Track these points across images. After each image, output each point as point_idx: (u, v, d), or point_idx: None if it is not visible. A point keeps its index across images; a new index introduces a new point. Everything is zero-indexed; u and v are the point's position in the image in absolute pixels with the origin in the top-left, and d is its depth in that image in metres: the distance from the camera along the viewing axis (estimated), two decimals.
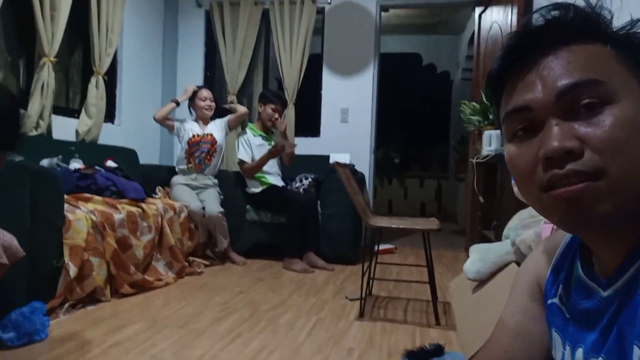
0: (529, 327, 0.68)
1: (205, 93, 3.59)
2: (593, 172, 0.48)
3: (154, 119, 3.52)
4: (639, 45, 0.52)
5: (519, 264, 1.24)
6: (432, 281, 2.25)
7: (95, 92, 3.42)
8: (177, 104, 3.60)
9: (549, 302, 0.65)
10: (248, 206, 3.57)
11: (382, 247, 3.48)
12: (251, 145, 3.53)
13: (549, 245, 0.70)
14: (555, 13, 0.53)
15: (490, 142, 2.48)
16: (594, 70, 0.50)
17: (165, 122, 3.55)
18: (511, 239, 1.27)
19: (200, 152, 3.53)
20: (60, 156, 2.83)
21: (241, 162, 3.52)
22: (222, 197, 3.54)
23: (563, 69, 0.51)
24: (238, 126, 3.77)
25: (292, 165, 3.70)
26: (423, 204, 7.57)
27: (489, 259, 1.32)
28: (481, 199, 2.55)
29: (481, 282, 1.38)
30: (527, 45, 0.55)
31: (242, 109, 3.74)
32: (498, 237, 2.08)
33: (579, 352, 0.56)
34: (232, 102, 3.91)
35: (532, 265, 0.71)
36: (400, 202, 7.59)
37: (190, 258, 3.16)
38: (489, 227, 2.54)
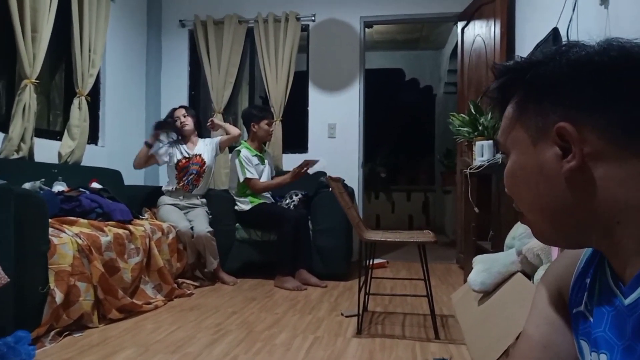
0: (555, 338, 0.66)
1: (177, 112, 3.57)
2: (517, 209, 0.62)
3: (135, 168, 3.51)
4: (530, 85, 0.58)
5: (524, 274, 1.22)
6: (429, 295, 2.21)
7: (79, 113, 3.35)
8: (149, 145, 3.49)
9: (575, 311, 0.64)
10: (237, 224, 3.51)
11: (374, 261, 3.44)
12: (252, 163, 3.47)
13: (570, 255, 0.68)
14: (500, 81, 0.62)
15: (483, 152, 2.48)
16: (503, 130, 0.62)
17: (148, 164, 3.52)
18: (517, 248, 1.25)
19: (189, 174, 3.47)
20: (43, 179, 2.75)
21: (249, 180, 3.43)
22: (210, 216, 3.48)
23: (501, 127, 0.64)
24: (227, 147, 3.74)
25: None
26: (410, 217, 7.58)
27: (494, 270, 1.30)
28: (477, 209, 2.54)
29: (486, 293, 1.36)
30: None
31: (235, 131, 3.66)
32: (495, 248, 2.06)
33: (603, 358, 0.55)
34: (213, 115, 3.81)
35: (554, 276, 0.70)
36: (387, 216, 7.59)
37: (180, 280, 3.08)
38: (485, 238, 2.53)
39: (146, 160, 3.48)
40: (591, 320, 0.59)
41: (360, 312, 2.23)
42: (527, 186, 0.58)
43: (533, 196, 0.57)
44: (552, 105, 0.54)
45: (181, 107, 3.65)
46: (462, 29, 4.06)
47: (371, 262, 2.52)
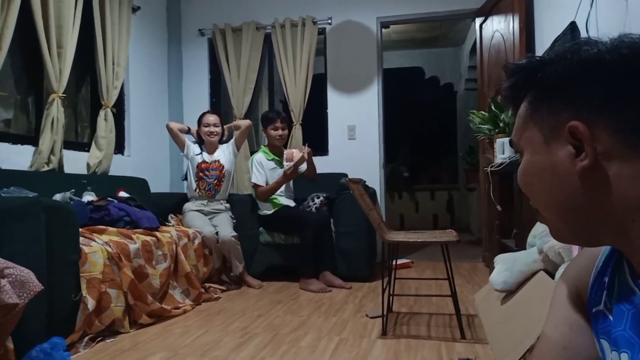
0: (575, 338, 0.66)
1: (211, 118, 3.58)
2: (533, 207, 0.62)
3: (167, 125, 3.57)
4: (540, 84, 0.58)
5: (547, 272, 1.21)
6: (454, 294, 2.20)
7: (105, 124, 3.45)
8: (188, 130, 3.62)
9: (594, 310, 0.63)
10: (261, 228, 3.56)
11: (398, 262, 3.43)
12: (264, 168, 3.52)
13: (587, 254, 0.68)
14: (513, 80, 0.62)
15: (504, 149, 2.46)
16: (516, 129, 0.62)
17: (176, 134, 3.55)
18: (538, 247, 1.24)
19: (209, 179, 3.53)
20: (73, 190, 2.84)
21: (255, 186, 3.51)
22: (234, 220, 3.53)
23: (514, 126, 0.65)
24: (245, 141, 3.78)
25: (316, 177, 3.67)
26: (435, 216, 7.51)
27: (515, 269, 1.29)
28: (499, 207, 2.52)
29: (509, 292, 1.35)
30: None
31: (244, 123, 3.72)
32: (519, 246, 2.04)
33: (624, 357, 0.55)
34: (234, 121, 3.89)
35: (572, 276, 0.69)
36: (411, 216, 7.54)
37: (207, 284, 3.13)
38: (508, 236, 2.50)
39: (177, 130, 3.56)
40: (611, 319, 0.59)
41: (385, 313, 2.23)
42: (540, 185, 0.58)
43: (547, 195, 0.58)
44: (564, 104, 0.54)
45: (215, 114, 3.66)
46: (480, 25, 4.01)
47: (394, 263, 2.52)
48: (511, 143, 0.68)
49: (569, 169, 0.54)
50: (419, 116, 7.99)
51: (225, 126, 3.71)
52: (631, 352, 0.54)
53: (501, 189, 2.62)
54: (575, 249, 1.10)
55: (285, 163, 3.45)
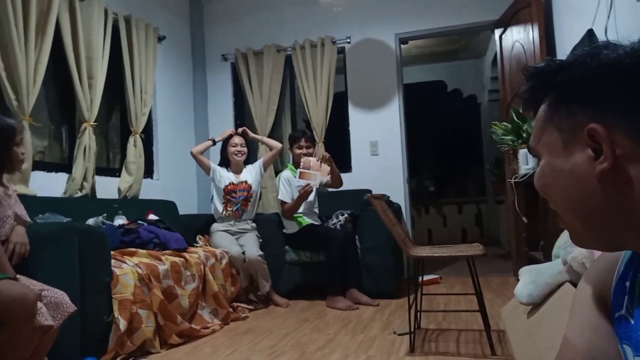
0: (602, 346, 0.64)
1: (237, 140, 3.68)
2: (552, 208, 0.62)
3: (191, 152, 3.60)
4: (560, 88, 0.58)
5: (572, 283, 1.18)
6: (482, 309, 2.16)
7: (134, 150, 3.57)
8: (214, 142, 3.68)
9: (617, 315, 0.62)
10: (287, 247, 3.58)
11: (426, 277, 3.39)
12: (291, 185, 3.57)
13: (609, 257, 0.67)
14: (531, 83, 0.62)
15: (527, 160, 2.42)
16: (535, 133, 0.63)
17: (201, 160, 3.60)
18: (562, 258, 1.22)
19: (237, 200, 3.59)
20: (105, 214, 2.94)
21: (281, 203, 3.56)
22: (260, 240, 3.56)
23: (533, 130, 0.65)
24: (271, 165, 3.83)
25: (341, 184, 3.68)
26: (464, 230, 7.38)
27: (540, 281, 1.27)
28: (524, 219, 2.47)
29: (535, 305, 1.32)
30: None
31: (275, 145, 3.78)
32: (547, 258, 2.00)
33: None
34: (262, 138, 4.01)
35: (594, 280, 0.68)
36: (439, 230, 7.43)
37: (234, 304, 3.16)
38: (536, 248, 2.45)
39: (203, 151, 3.61)
40: (632, 323, 0.58)
41: (413, 329, 2.20)
42: (558, 187, 0.58)
43: (565, 197, 0.58)
44: (583, 107, 0.55)
45: (242, 135, 3.75)
46: (500, 37, 4.00)
47: (421, 279, 2.49)
48: (529, 148, 0.66)
49: (588, 172, 0.54)
50: (444, 129, 7.95)
51: (251, 134, 3.80)
52: None
53: (527, 200, 2.58)
54: None
55: (297, 180, 3.47)
